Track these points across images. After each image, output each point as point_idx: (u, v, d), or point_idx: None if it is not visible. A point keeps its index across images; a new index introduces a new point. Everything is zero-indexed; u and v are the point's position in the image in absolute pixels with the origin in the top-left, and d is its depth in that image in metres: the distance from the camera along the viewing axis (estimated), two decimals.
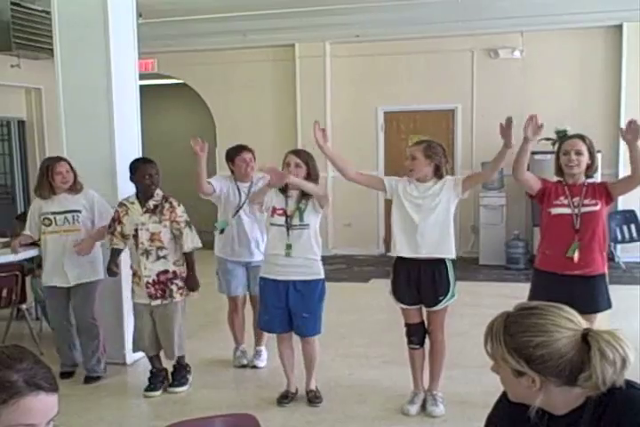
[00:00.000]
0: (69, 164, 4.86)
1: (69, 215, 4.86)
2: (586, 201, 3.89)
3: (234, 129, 10.35)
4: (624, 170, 8.93)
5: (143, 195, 4.64)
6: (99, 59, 5.09)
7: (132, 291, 4.75)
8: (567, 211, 3.91)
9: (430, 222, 4.12)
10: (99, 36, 5.07)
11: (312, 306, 4.33)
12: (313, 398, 4.44)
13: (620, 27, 8.83)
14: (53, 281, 4.92)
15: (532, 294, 4.02)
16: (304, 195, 4.28)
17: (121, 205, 4.69)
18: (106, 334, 5.04)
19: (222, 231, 5.08)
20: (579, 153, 3.89)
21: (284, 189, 4.30)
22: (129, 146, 5.30)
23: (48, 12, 5.55)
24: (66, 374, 4.95)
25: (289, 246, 4.26)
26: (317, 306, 4.36)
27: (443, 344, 4.26)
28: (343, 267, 9.08)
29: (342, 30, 9.44)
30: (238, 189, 5.04)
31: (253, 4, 8.22)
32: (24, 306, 5.79)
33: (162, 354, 4.80)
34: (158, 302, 4.62)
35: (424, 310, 4.23)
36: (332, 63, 9.85)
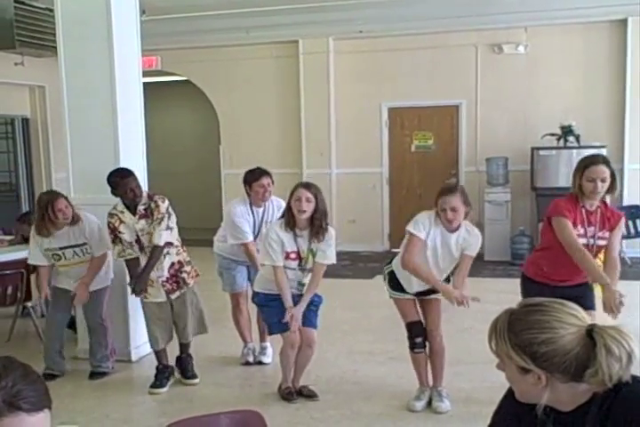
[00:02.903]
0: (66, 198, 4.83)
1: (78, 249, 4.87)
2: (600, 233, 3.88)
3: (237, 126, 10.35)
4: (629, 165, 8.92)
5: (131, 204, 4.66)
6: (102, 56, 5.08)
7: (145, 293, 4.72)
8: (584, 241, 3.86)
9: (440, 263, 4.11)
10: (102, 33, 5.06)
11: (316, 300, 4.40)
12: (311, 392, 4.46)
13: (624, 21, 8.79)
14: (63, 284, 4.94)
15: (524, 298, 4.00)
16: (316, 234, 4.21)
17: (111, 215, 4.66)
18: (112, 332, 5.06)
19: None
20: (604, 181, 3.81)
21: (291, 227, 4.21)
22: (133, 143, 5.30)
23: (51, 10, 5.54)
24: (50, 376, 4.78)
25: (300, 284, 4.32)
26: (320, 300, 4.44)
27: (442, 345, 4.25)
28: (348, 263, 9.08)
29: (345, 26, 9.41)
30: (253, 215, 4.97)
31: (256, 0, 8.21)
32: (29, 304, 5.81)
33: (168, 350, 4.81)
34: (177, 293, 4.71)
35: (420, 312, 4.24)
36: (335, 59, 9.83)
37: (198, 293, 4.84)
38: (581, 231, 3.87)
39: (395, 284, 4.23)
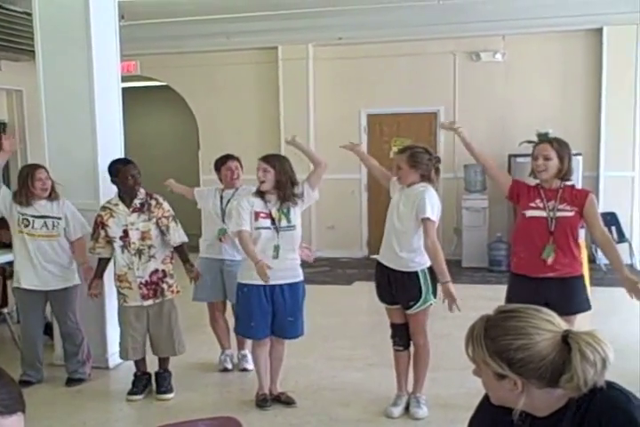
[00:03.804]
0: (47, 171, 4.83)
1: (49, 221, 4.81)
2: (560, 206, 3.89)
3: (217, 131, 10.33)
4: (605, 172, 9.03)
5: (128, 195, 4.62)
6: (81, 61, 5.06)
7: (123, 295, 4.65)
8: (542, 214, 3.91)
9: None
10: (80, 37, 5.04)
11: (296, 309, 4.35)
12: (289, 399, 4.45)
13: (600, 30, 8.90)
14: (29, 283, 4.83)
15: (509, 297, 4.03)
16: (283, 200, 4.28)
17: (104, 208, 4.65)
18: (88, 339, 5.01)
19: (220, 240, 5.04)
20: (547, 158, 3.86)
21: (260, 194, 4.30)
22: (111, 148, 5.27)
23: (29, 14, 5.52)
24: (26, 383, 4.73)
25: (276, 248, 4.25)
26: (301, 308, 4.39)
27: (425, 348, 4.27)
28: (326, 269, 9.08)
29: (325, 33, 9.45)
30: (221, 198, 5.06)
31: (236, 6, 8.22)
32: (5, 310, 5.75)
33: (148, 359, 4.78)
34: (150, 301, 4.62)
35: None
36: (314, 66, 9.86)
37: (177, 309, 4.77)
38: (540, 204, 3.91)
39: (378, 287, 4.28)
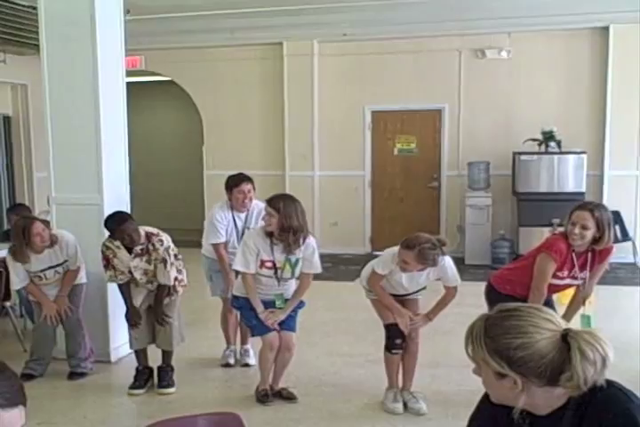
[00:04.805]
0: (42, 221, 4.83)
1: (59, 268, 4.89)
2: (581, 275, 3.93)
3: (221, 127, 10.33)
4: (609, 171, 9.01)
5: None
6: (85, 55, 5.06)
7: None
8: (561, 282, 3.97)
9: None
10: (85, 32, 5.04)
11: (298, 306, 4.43)
12: (290, 394, 4.46)
13: (606, 28, 8.87)
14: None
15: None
16: (285, 247, 4.18)
17: (107, 247, 4.65)
18: (91, 333, 5.03)
19: None
20: (584, 228, 3.78)
21: (269, 235, 4.19)
22: (115, 143, 5.28)
23: (34, 8, 5.51)
24: (28, 376, 4.75)
25: (280, 296, 4.31)
26: (302, 305, 4.46)
27: (418, 347, 4.31)
28: (329, 266, 9.07)
29: (330, 29, 9.43)
30: (234, 221, 4.99)
31: (242, 1, 8.20)
32: (8, 303, 5.76)
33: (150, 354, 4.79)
34: (167, 300, 4.69)
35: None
36: (319, 62, 9.84)
37: (178, 302, 4.82)
38: (565, 274, 3.93)
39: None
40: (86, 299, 5.03)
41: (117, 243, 4.62)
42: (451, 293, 4.18)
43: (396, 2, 8.25)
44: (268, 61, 10.00)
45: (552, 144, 8.73)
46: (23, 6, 7.87)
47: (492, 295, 4.10)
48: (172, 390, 4.68)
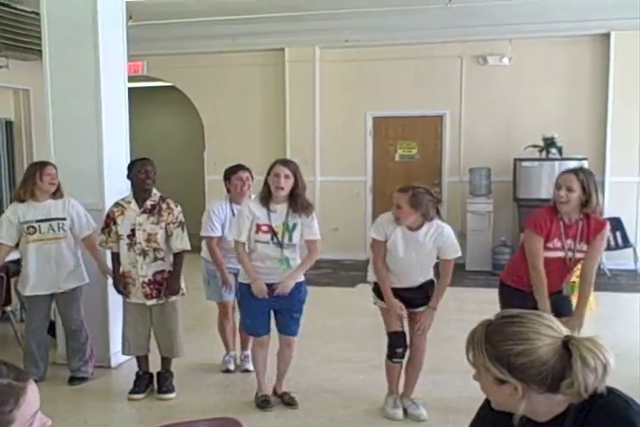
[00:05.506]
0: (56, 169, 4.83)
1: (54, 223, 4.82)
2: (579, 246, 3.87)
3: (222, 132, 10.34)
4: (610, 178, 9.01)
5: (140, 193, 4.60)
6: (87, 60, 5.08)
7: (127, 291, 4.67)
8: (560, 254, 3.88)
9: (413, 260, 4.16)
10: (88, 37, 5.06)
11: (300, 306, 4.37)
12: (291, 400, 4.45)
13: (607, 35, 8.89)
14: (37, 290, 4.86)
15: (504, 306, 4.00)
16: (295, 210, 4.20)
17: (116, 204, 4.65)
18: (91, 338, 5.02)
19: None
20: (569, 189, 3.77)
21: (265, 202, 4.21)
22: (117, 148, 5.29)
23: (37, 13, 5.53)
24: None
25: (286, 261, 4.25)
26: (303, 307, 4.41)
27: (423, 357, 4.29)
28: (329, 271, 9.08)
29: (332, 35, 9.45)
30: (233, 214, 4.96)
31: (243, 7, 8.23)
32: (9, 308, 5.76)
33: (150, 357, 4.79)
34: (154, 301, 4.63)
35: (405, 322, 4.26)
36: (321, 68, 9.86)
37: (178, 311, 4.75)
38: (558, 245, 3.87)
39: (380, 293, 4.24)
40: (86, 302, 5.00)
41: (129, 198, 4.61)
42: (447, 268, 4.12)
43: (398, 8, 8.27)
44: (269, 67, 10.02)
45: (553, 151, 8.74)
46: (26, 12, 7.90)
47: (505, 291, 4.12)
48: (171, 395, 4.68)
